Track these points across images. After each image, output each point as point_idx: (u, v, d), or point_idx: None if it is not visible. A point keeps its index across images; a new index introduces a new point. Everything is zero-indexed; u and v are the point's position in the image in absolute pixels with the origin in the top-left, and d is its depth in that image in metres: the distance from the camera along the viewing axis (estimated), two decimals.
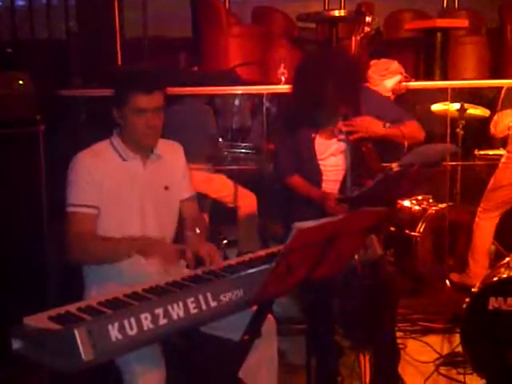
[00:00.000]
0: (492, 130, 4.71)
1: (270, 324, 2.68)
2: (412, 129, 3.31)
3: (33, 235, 3.78)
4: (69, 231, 2.70)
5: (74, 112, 4.30)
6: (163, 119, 2.77)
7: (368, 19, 3.26)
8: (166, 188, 2.87)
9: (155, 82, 2.74)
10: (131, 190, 2.77)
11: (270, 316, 2.65)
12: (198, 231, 2.83)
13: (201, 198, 4.70)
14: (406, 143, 3.93)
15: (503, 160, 4.60)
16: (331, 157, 3.30)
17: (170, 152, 2.93)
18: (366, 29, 3.26)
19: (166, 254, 2.62)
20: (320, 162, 3.29)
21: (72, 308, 2.10)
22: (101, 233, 2.73)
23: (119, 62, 4.43)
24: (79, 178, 2.70)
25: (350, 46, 3.29)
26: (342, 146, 3.29)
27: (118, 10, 4.46)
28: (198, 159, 4.77)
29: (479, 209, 4.67)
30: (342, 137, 3.25)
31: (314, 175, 3.30)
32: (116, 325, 1.91)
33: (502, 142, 4.77)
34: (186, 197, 2.98)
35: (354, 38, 3.25)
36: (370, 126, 3.18)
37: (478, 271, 4.53)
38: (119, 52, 4.43)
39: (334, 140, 3.29)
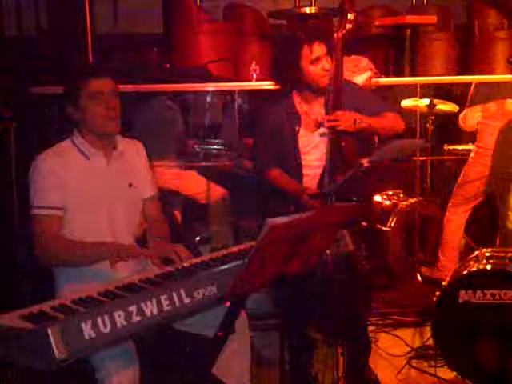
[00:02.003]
0: (461, 124, 4.76)
1: (242, 320, 2.69)
2: (391, 120, 3.33)
3: (3, 234, 3.75)
4: (34, 234, 2.67)
5: (44, 109, 4.27)
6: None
7: (350, 16, 3.26)
8: (130, 185, 2.85)
9: (102, 68, 2.85)
10: (96, 187, 2.75)
11: (242, 312, 2.67)
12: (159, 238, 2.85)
13: (173, 195, 4.71)
14: (376, 138, 3.97)
15: (472, 155, 4.66)
16: (313, 150, 3.30)
17: (132, 150, 2.92)
18: (348, 25, 3.27)
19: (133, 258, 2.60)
20: (302, 156, 3.29)
21: (44, 306, 2.09)
22: (69, 233, 2.70)
23: (90, 59, 4.40)
24: (43, 179, 2.68)
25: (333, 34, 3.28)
26: (325, 138, 3.27)
27: (89, 6, 4.42)
28: (167, 156, 4.77)
29: (449, 203, 4.72)
30: (324, 131, 3.27)
31: (295, 169, 3.30)
32: (89, 323, 1.91)
33: (471, 137, 4.83)
34: (148, 196, 2.96)
35: (335, 35, 3.25)
36: (347, 120, 3.18)
37: (447, 265, 4.59)
38: (90, 48, 4.40)
39: (317, 132, 3.30)
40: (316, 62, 3.13)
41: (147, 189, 2.96)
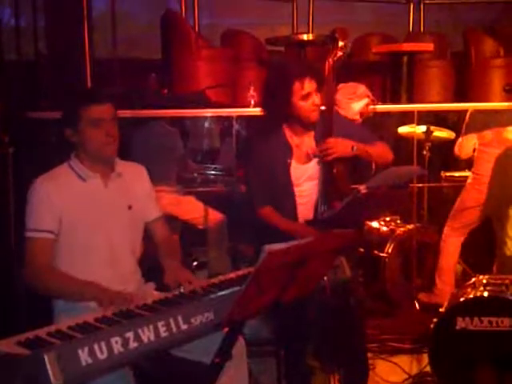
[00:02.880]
0: (457, 152, 4.79)
1: (239, 346, 2.68)
2: (380, 150, 3.36)
3: (1, 258, 3.74)
4: (27, 257, 2.67)
5: (43, 134, 4.28)
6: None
7: (341, 44, 3.31)
8: (130, 207, 2.85)
9: (103, 93, 2.82)
10: (94, 209, 2.75)
11: (240, 338, 2.66)
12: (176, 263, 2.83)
13: (171, 220, 4.70)
14: (373, 165, 3.98)
15: (469, 181, 4.68)
16: (307, 182, 3.30)
17: (132, 172, 2.92)
18: (339, 53, 3.31)
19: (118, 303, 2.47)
20: (295, 188, 3.28)
21: (41, 332, 2.09)
22: (66, 257, 2.70)
23: (89, 84, 4.42)
24: (38, 203, 2.69)
25: (323, 69, 3.33)
26: (317, 170, 3.29)
27: (88, 31, 4.46)
28: (166, 181, 4.78)
29: (445, 228, 4.73)
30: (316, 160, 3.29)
31: (289, 201, 3.29)
32: (86, 349, 1.91)
33: (468, 164, 4.85)
34: (154, 217, 2.96)
35: (327, 62, 3.29)
36: (342, 147, 3.22)
37: (444, 289, 4.58)
38: (89, 73, 4.42)
39: (311, 164, 3.31)
40: (307, 97, 3.15)
41: (152, 211, 2.96)
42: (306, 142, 3.31)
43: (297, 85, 3.14)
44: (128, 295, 2.52)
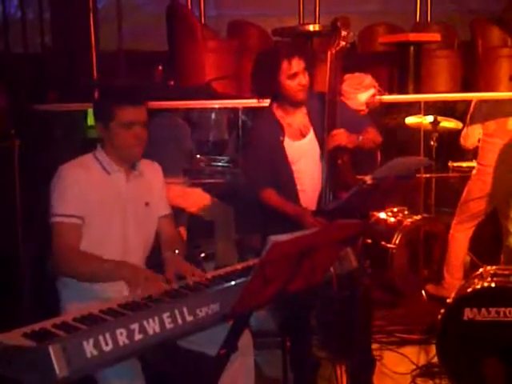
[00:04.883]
0: (462, 142, 4.78)
1: (246, 338, 2.69)
2: (372, 134, 3.40)
3: (7, 250, 3.76)
4: (54, 241, 2.69)
5: (49, 126, 4.28)
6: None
7: (343, 33, 3.30)
8: (147, 204, 2.89)
9: (140, 96, 2.79)
10: (114, 203, 2.78)
11: (246, 330, 2.66)
12: (177, 252, 2.84)
13: (177, 212, 4.70)
14: (379, 156, 3.98)
15: (474, 172, 4.67)
16: (303, 159, 3.31)
17: (150, 170, 2.96)
18: (342, 43, 3.30)
19: (150, 287, 2.50)
20: (293, 167, 3.30)
21: (46, 324, 2.10)
22: (81, 244, 2.71)
23: (95, 76, 4.42)
24: (65, 188, 2.71)
25: (326, 60, 3.33)
26: (313, 147, 3.31)
27: (94, 24, 4.45)
28: (173, 173, 4.77)
29: (454, 221, 4.72)
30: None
31: (289, 182, 3.31)
32: (91, 341, 1.91)
33: (475, 154, 4.84)
34: (163, 214, 2.99)
35: (329, 52, 3.30)
36: (348, 137, 3.23)
37: (452, 282, 4.57)
38: (95, 66, 4.42)
39: (305, 140, 3.32)
40: (294, 77, 3.19)
41: (162, 207, 2.99)
42: (297, 119, 3.34)
43: (285, 64, 3.18)
44: (159, 276, 2.56)
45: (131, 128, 2.72)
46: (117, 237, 2.78)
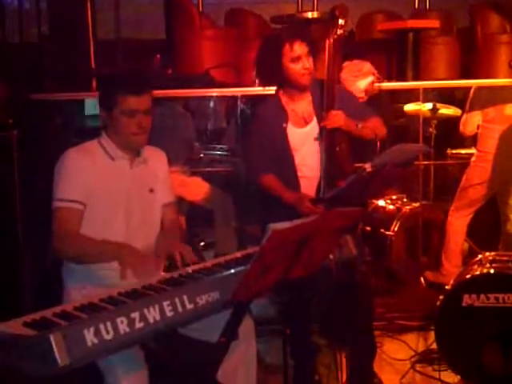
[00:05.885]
0: (461, 129, 4.78)
1: (248, 326, 2.70)
2: (376, 125, 3.40)
3: (7, 240, 3.75)
4: (54, 226, 2.70)
5: (47, 116, 4.27)
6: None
7: (341, 22, 3.30)
8: (151, 191, 2.89)
9: (144, 84, 2.79)
10: (118, 188, 2.79)
11: (248, 318, 2.67)
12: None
13: (177, 201, 4.70)
14: (378, 143, 3.98)
15: (473, 159, 4.67)
16: (305, 146, 3.32)
17: (155, 157, 2.96)
18: (340, 31, 3.30)
19: (146, 270, 2.52)
20: (295, 154, 3.31)
21: (47, 313, 2.10)
22: (84, 229, 2.72)
23: (93, 65, 4.40)
24: (67, 173, 2.71)
25: (324, 48, 3.33)
26: (315, 132, 3.32)
27: (91, 12, 4.43)
28: (175, 162, 4.77)
29: (451, 207, 4.72)
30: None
31: (290, 169, 3.32)
32: (92, 329, 1.92)
33: (474, 141, 4.84)
34: (167, 201, 2.98)
35: (327, 41, 3.30)
36: (345, 120, 3.24)
37: (451, 269, 4.58)
38: (92, 54, 4.40)
39: (308, 128, 3.33)
40: (297, 60, 3.21)
41: (166, 195, 2.98)
42: (301, 106, 3.35)
43: (287, 47, 3.20)
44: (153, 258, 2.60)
45: (134, 116, 2.72)
46: (120, 223, 2.78)
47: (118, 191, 2.79)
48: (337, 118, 3.22)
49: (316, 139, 3.31)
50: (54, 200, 2.72)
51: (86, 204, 2.72)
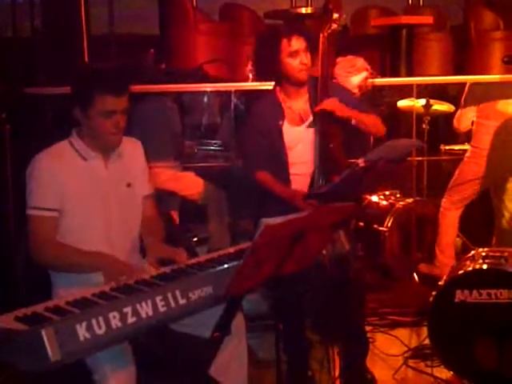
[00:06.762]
0: (455, 125, 4.78)
1: (239, 321, 2.70)
2: (374, 121, 3.39)
3: (0, 235, 3.75)
4: (30, 233, 2.65)
5: (40, 110, 4.26)
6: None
7: (335, 16, 3.29)
8: (129, 185, 2.83)
9: (123, 85, 2.69)
10: (94, 190, 2.73)
11: (239, 313, 2.67)
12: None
13: (170, 196, 4.70)
14: (371, 138, 3.98)
15: (468, 154, 4.67)
16: (299, 145, 3.31)
17: (129, 149, 2.89)
18: (334, 26, 3.30)
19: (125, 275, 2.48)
20: (288, 152, 3.30)
21: (39, 308, 2.09)
22: (63, 234, 2.68)
23: (86, 60, 4.39)
24: (40, 180, 2.65)
25: (318, 43, 3.32)
26: (311, 133, 3.31)
27: (84, 7, 4.41)
28: (165, 157, 4.76)
29: (443, 202, 4.74)
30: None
31: (282, 166, 3.31)
32: (84, 324, 1.92)
33: (467, 137, 4.84)
34: (144, 194, 2.93)
35: (321, 34, 3.29)
36: (339, 106, 3.22)
37: (445, 260, 4.61)
38: (86, 49, 4.39)
39: (303, 126, 3.32)
40: (294, 55, 3.20)
41: (144, 187, 2.93)
42: (298, 103, 3.34)
43: (284, 42, 3.20)
44: (135, 267, 2.56)
45: (111, 117, 2.64)
46: (99, 222, 2.73)
47: (94, 192, 2.72)
48: (330, 102, 3.21)
49: (308, 127, 3.29)
50: (28, 208, 2.66)
51: (62, 210, 2.66)
